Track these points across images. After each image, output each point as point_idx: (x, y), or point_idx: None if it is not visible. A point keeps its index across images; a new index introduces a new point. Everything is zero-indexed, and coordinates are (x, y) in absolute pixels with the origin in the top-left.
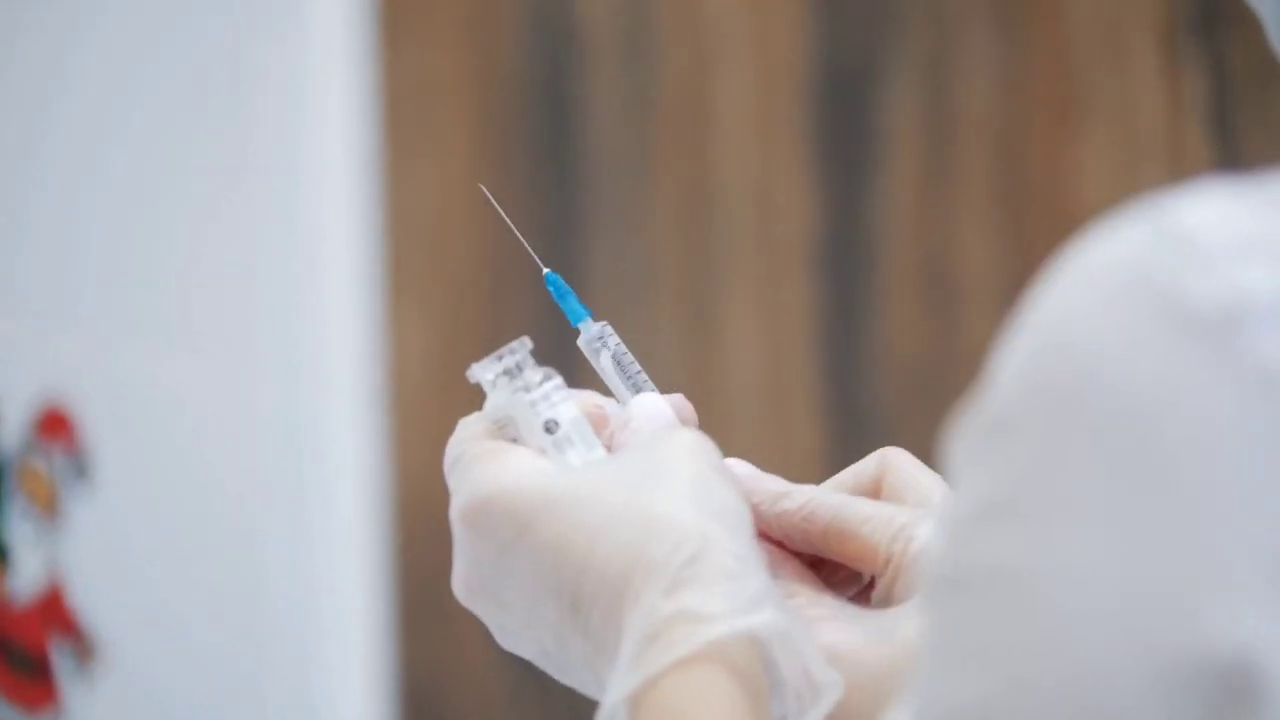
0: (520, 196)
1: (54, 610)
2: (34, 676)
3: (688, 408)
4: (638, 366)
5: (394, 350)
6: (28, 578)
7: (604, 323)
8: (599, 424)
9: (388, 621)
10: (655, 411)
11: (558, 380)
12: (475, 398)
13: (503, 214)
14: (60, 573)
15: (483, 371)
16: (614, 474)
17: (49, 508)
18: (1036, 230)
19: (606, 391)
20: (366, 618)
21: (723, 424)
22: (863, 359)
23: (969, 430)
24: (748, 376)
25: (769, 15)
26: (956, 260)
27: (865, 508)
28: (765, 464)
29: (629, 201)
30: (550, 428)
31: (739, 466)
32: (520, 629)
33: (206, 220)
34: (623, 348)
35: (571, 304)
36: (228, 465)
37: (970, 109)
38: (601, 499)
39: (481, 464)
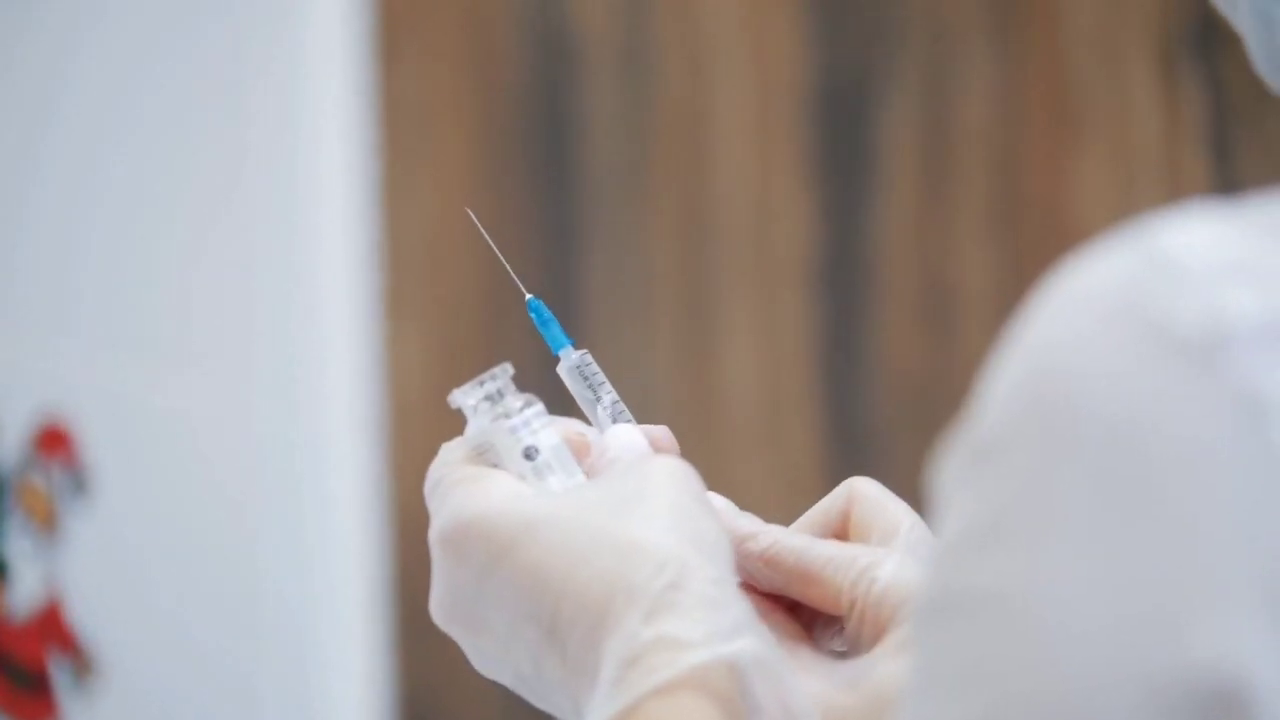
0: (518, 212)
1: (52, 625)
2: (33, 691)
3: (669, 438)
4: (615, 395)
5: (392, 367)
6: (26, 593)
7: (584, 351)
8: (580, 451)
9: (386, 637)
10: (630, 442)
11: (539, 407)
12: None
13: (488, 239)
14: (59, 588)
15: (464, 397)
16: (593, 500)
17: (47, 523)
18: (1034, 246)
19: (588, 419)
20: (365, 633)
21: (720, 440)
22: (860, 375)
23: (957, 455)
24: (745, 393)
25: (766, 31)
26: (954, 276)
27: (827, 549)
28: (763, 481)
29: (626, 217)
30: (530, 454)
31: (716, 501)
32: (497, 653)
33: (204, 236)
34: (601, 376)
35: (553, 331)
36: (226, 481)
37: (968, 125)
38: (581, 524)
39: (462, 488)
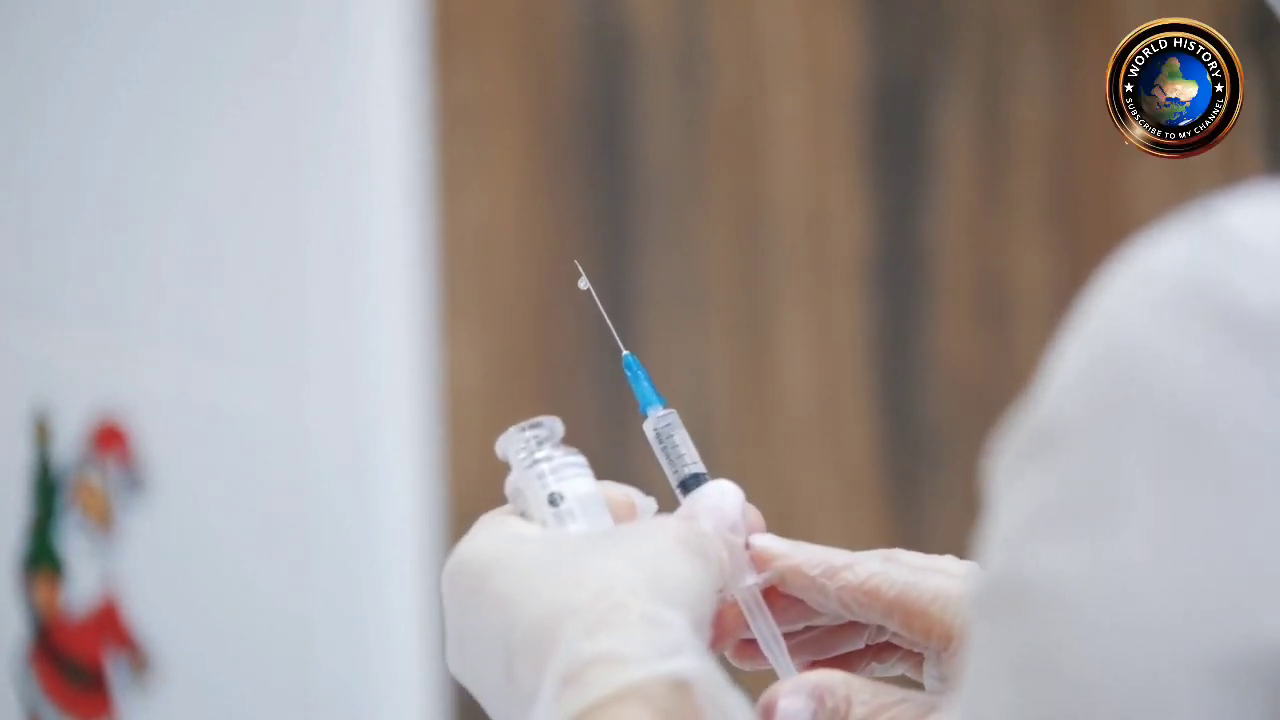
0: (573, 212)
1: (109, 622)
2: (90, 688)
3: (756, 518)
4: (696, 459)
5: (447, 366)
6: (83, 590)
7: (671, 411)
8: (623, 511)
9: (439, 634)
10: (712, 505)
11: (577, 458)
12: (529, 410)
13: (595, 295)
14: (115, 585)
15: (506, 444)
16: (576, 537)
17: (104, 520)
18: (1090, 244)
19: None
20: (418, 629)
21: (776, 439)
22: (916, 374)
23: (1015, 442)
24: (801, 391)
25: (822, 32)
26: (1010, 275)
27: (932, 582)
28: (819, 479)
29: (682, 218)
30: (554, 500)
31: (775, 544)
32: (491, 695)
33: (260, 235)
34: (679, 445)
35: (644, 389)
36: (281, 478)
37: (1024, 124)
38: (549, 557)
39: (472, 532)
